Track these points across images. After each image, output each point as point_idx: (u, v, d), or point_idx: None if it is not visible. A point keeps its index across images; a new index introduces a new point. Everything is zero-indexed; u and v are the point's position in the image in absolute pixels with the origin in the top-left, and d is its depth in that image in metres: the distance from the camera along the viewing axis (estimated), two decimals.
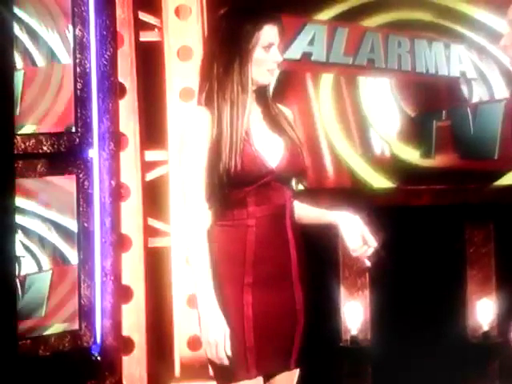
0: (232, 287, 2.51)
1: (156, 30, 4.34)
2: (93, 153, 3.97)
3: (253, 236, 2.51)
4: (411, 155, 4.37)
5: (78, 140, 3.89)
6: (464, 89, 4.35)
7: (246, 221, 2.51)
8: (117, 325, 4.04)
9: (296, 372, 2.61)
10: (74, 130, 3.87)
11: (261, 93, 2.58)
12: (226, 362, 2.48)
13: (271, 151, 2.56)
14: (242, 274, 2.51)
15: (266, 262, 2.52)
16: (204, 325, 2.49)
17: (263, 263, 2.52)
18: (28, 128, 3.76)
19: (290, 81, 4.29)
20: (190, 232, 2.51)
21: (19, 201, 3.68)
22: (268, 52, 2.54)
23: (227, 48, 2.52)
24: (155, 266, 4.30)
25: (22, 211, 3.73)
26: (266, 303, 2.52)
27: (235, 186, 2.52)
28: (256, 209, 2.52)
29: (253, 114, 2.57)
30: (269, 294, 2.52)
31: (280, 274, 2.54)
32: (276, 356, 2.53)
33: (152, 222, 4.32)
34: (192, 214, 2.52)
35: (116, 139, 4.07)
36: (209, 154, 2.52)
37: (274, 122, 2.59)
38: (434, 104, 4.36)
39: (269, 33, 2.53)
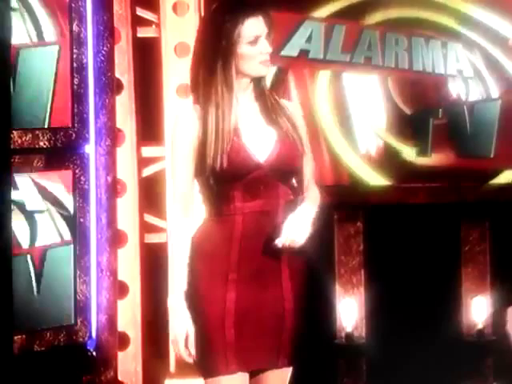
0: (215, 282, 2.51)
1: (153, 26, 4.34)
2: (89, 148, 3.97)
3: (239, 232, 2.49)
4: (408, 153, 4.38)
5: (74, 135, 3.90)
6: (460, 87, 4.36)
7: (233, 217, 2.50)
8: (112, 320, 4.04)
9: (288, 370, 2.60)
10: (70, 125, 3.87)
11: (258, 86, 2.57)
12: (189, 359, 2.50)
13: (261, 146, 2.53)
14: (227, 270, 2.50)
15: (252, 259, 2.50)
16: (170, 321, 2.52)
17: (249, 260, 2.50)
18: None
19: (287, 78, 4.29)
20: (175, 228, 2.53)
21: (15, 196, 3.68)
22: (255, 45, 2.51)
23: (210, 48, 2.52)
24: (151, 261, 4.31)
25: (19, 207, 3.74)
26: (251, 300, 2.51)
27: (223, 181, 2.51)
28: (244, 205, 2.50)
29: (248, 108, 2.56)
30: (254, 291, 2.51)
31: (268, 271, 2.52)
32: (260, 353, 2.52)
33: (148, 217, 4.32)
34: (177, 212, 2.53)
35: (112, 135, 4.07)
36: (196, 153, 2.52)
37: (271, 115, 2.56)
38: (430, 102, 4.36)
39: (253, 26, 2.50)
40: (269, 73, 2.58)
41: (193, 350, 2.49)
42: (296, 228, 2.46)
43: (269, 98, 2.58)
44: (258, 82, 2.57)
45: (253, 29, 2.50)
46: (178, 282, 2.51)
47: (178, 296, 2.51)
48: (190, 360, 2.51)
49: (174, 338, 2.51)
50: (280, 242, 2.46)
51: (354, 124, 4.37)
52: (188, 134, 2.52)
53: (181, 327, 2.50)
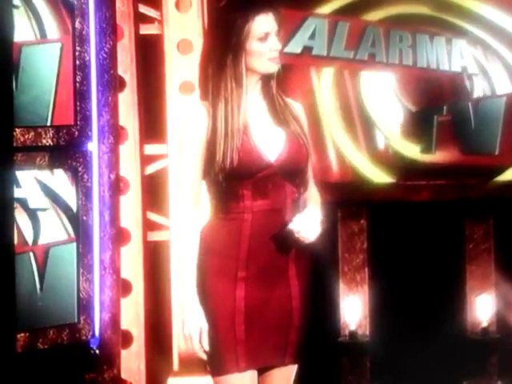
0: (225, 280, 2.51)
1: (156, 23, 4.33)
2: (92, 146, 3.96)
3: (248, 230, 2.50)
4: (412, 150, 4.37)
5: (77, 133, 3.89)
6: (465, 84, 4.35)
7: (242, 215, 2.51)
8: (115, 318, 4.03)
9: (293, 368, 2.60)
10: (73, 123, 3.87)
11: (267, 85, 2.57)
12: (203, 355, 2.50)
13: (271, 145, 2.54)
14: (236, 268, 2.51)
15: (261, 257, 2.51)
16: (183, 317, 2.52)
17: (258, 258, 2.51)
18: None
19: (291, 75, 4.28)
20: (184, 225, 2.53)
21: (18, 193, 3.67)
22: (265, 42, 2.52)
23: (220, 44, 2.52)
24: (154, 259, 4.30)
25: (22, 205, 3.73)
26: (259, 298, 2.52)
27: (232, 179, 2.51)
28: (253, 203, 2.51)
29: (256, 107, 2.56)
30: (263, 288, 2.52)
31: (276, 269, 2.53)
32: (268, 350, 2.53)
33: (151, 215, 4.31)
34: (186, 209, 2.53)
35: (115, 132, 4.06)
36: (205, 150, 2.52)
37: (279, 115, 2.57)
38: (435, 99, 4.35)
39: (263, 23, 2.52)
40: (277, 70, 2.56)
41: (206, 346, 2.49)
42: (307, 223, 2.47)
43: (277, 97, 2.58)
44: (266, 80, 2.57)
45: (263, 25, 2.51)
46: (189, 278, 2.51)
47: (190, 292, 2.51)
48: (204, 356, 2.51)
49: (187, 334, 2.50)
50: (292, 227, 2.46)
51: (358, 121, 4.36)
52: (197, 132, 2.53)
53: (194, 323, 2.50)
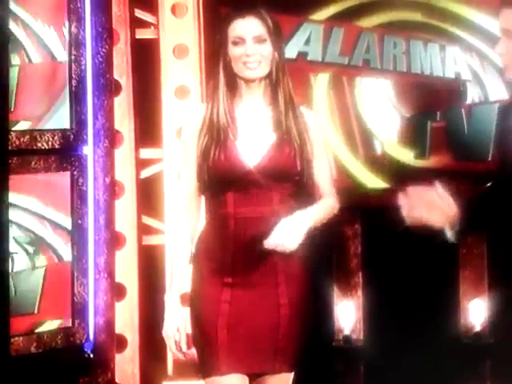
0: (211, 284, 2.53)
1: (152, 27, 4.34)
2: (87, 150, 3.97)
3: (231, 237, 2.51)
4: (406, 156, 4.38)
5: (72, 137, 3.90)
6: (459, 90, 4.37)
7: (226, 221, 2.51)
8: (110, 322, 4.04)
9: (288, 376, 2.60)
10: (68, 126, 3.87)
11: (273, 91, 2.57)
12: (181, 356, 2.54)
13: (253, 151, 2.54)
14: (222, 274, 2.52)
15: (247, 264, 2.51)
16: (164, 317, 2.58)
17: (244, 265, 2.52)
18: (22, 124, 3.77)
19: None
20: (178, 228, 2.55)
21: (13, 197, 3.67)
22: (239, 47, 2.54)
23: (215, 49, 2.58)
24: (149, 263, 4.30)
25: (16, 207, 3.73)
26: (245, 304, 2.52)
27: (217, 185, 2.53)
28: (235, 210, 2.51)
29: (251, 112, 2.57)
30: (249, 295, 2.52)
31: (263, 277, 2.53)
32: (254, 357, 2.53)
33: (146, 219, 4.32)
34: (181, 209, 2.57)
35: (111, 136, 4.07)
36: (200, 145, 2.55)
37: (282, 123, 2.56)
38: (428, 105, 4.37)
39: (237, 28, 2.54)
40: (257, 76, 2.56)
41: (184, 347, 2.53)
42: (285, 233, 2.45)
43: (286, 105, 2.56)
44: (273, 87, 2.56)
45: (237, 30, 2.54)
46: (175, 280, 2.54)
47: (174, 293, 2.54)
48: (182, 357, 2.54)
49: (165, 334, 2.55)
50: (266, 243, 2.46)
51: (352, 126, 4.37)
52: (194, 135, 2.54)
53: (172, 324, 2.54)
